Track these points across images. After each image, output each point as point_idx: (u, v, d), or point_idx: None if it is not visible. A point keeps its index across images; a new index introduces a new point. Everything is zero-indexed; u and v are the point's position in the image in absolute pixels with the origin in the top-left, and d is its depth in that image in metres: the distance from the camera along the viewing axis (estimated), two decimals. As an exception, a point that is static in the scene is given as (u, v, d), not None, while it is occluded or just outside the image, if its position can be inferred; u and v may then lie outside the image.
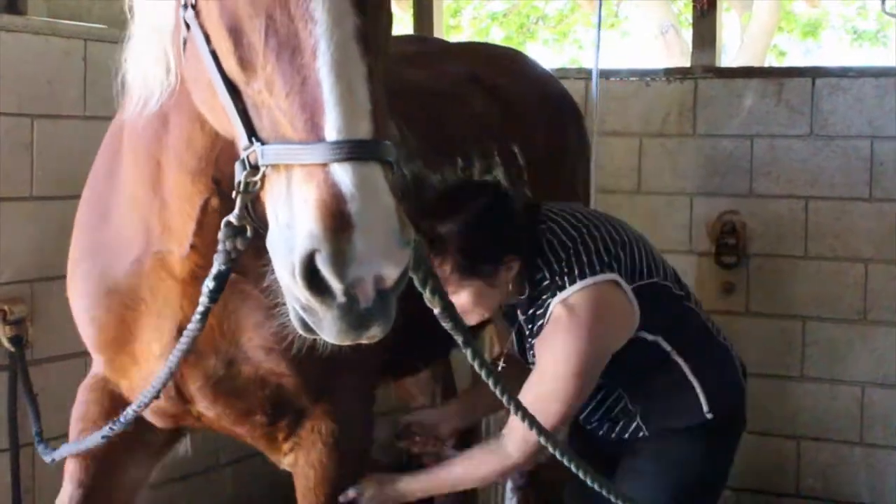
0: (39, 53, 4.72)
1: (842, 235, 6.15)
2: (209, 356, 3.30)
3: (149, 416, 3.53)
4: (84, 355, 4.66)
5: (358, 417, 3.60)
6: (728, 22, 14.66)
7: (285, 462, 3.59)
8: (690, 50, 6.69)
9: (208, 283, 2.71)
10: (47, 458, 3.85)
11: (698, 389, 3.74)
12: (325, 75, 2.29)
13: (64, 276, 3.74)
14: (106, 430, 3.32)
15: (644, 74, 6.63)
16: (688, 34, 8.94)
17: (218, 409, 3.42)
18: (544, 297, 3.57)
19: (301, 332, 2.41)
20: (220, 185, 2.95)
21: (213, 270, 2.68)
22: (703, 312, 3.91)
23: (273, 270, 2.38)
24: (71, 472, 3.70)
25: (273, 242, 2.33)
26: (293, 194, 2.29)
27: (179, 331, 3.12)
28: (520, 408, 3.02)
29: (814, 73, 6.28)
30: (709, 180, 6.42)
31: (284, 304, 2.42)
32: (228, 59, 2.45)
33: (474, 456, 3.64)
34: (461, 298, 3.47)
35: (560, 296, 3.52)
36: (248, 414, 3.43)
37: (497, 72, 4.92)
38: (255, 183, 2.42)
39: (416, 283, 2.57)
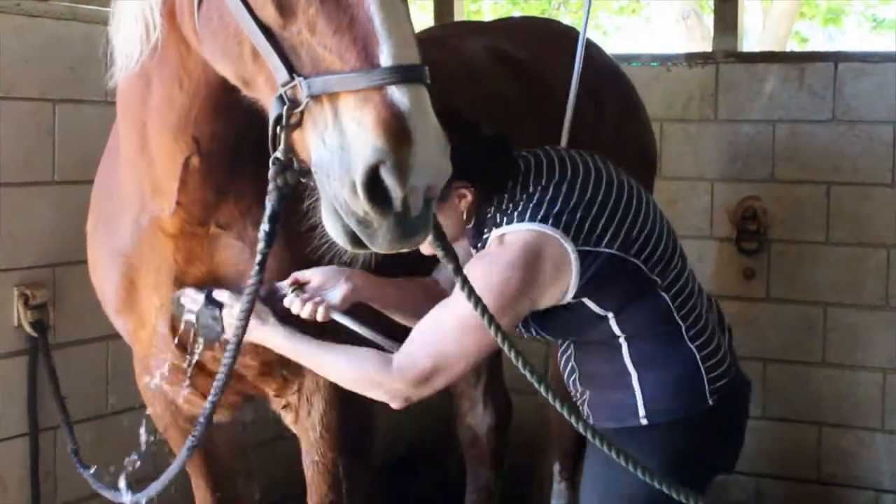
0: (61, 38, 4.73)
1: (864, 221, 6.13)
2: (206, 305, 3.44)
3: (163, 381, 3.67)
4: (106, 339, 4.71)
5: None
6: (750, 6, 14.60)
7: (287, 419, 3.68)
8: (712, 35, 6.66)
9: (263, 227, 2.81)
10: (128, 501, 3.86)
11: (636, 389, 3.50)
12: (376, 12, 2.55)
13: (86, 261, 3.77)
14: (190, 442, 3.39)
15: (665, 59, 6.61)
16: (709, 19, 8.92)
17: (218, 354, 3.50)
18: (485, 231, 3.44)
19: (350, 247, 2.62)
20: (200, 144, 3.19)
21: (267, 211, 2.78)
22: (695, 305, 3.60)
23: (313, 195, 2.64)
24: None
25: (325, 165, 2.54)
26: (343, 119, 2.52)
27: (177, 283, 3.43)
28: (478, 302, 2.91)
29: (836, 57, 6.25)
30: (730, 166, 6.40)
31: (320, 226, 2.64)
32: (266, 6, 2.64)
33: (361, 353, 3.33)
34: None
35: (496, 231, 3.39)
36: (244, 363, 3.51)
37: (521, 45, 4.87)
38: (296, 116, 2.60)
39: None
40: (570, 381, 3.65)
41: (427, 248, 3.05)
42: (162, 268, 3.46)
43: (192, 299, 3.45)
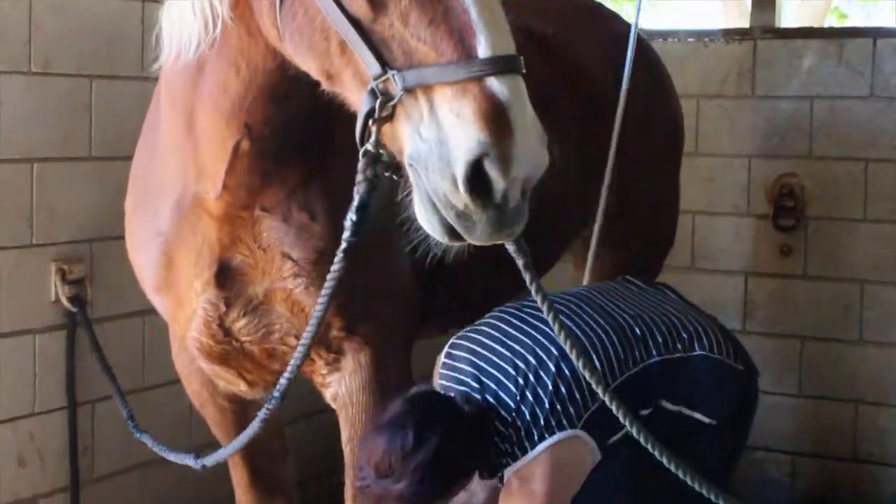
0: (98, 14, 4.74)
1: (902, 198, 6.10)
2: (247, 288, 3.48)
3: (201, 360, 3.70)
4: (142, 314, 4.74)
5: (397, 350, 3.67)
6: (788, -18, 14.47)
7: (328, 395, 3.68)
8: (749, 10, 6.62)
9: (351, 217, 2.80)
10: (197, 466, 3.86)
11: (692, 414, 3.68)
12: (471, 2, 2.53)
13: (122, 236, 3.79)
14: (263, 414, 3.41)
15: (702, 35, 6.56)
16: (747, -5, 8.86)
17: (258, 337, 3.53)
18: (502, 466, 3.52)
19: (447, 240, 2.60)
20: (251, 130, 3.21)
21: (356, 202, 2.77)
22: (678, 326, 3.73)
23: (405, 189, 2.63)
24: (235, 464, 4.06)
25: (422, 159, 2.52)
26: (440, 111, 2.49)
27: (219, 266, 3.44)
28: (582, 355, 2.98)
29: (875, 33, 6.20)
30: (767, 142, 6.36)
31: (413, 219, 2.63)
32: (356, 0, 2.62)
33: None
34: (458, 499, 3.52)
35: (512, 467, 3.47)
36: (285, 337, 3.52)
37: (548, 21, 4.83)
38: (388, 109, 2.58)
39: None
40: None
41: None
42: (204, 250, 3.47)
43: None
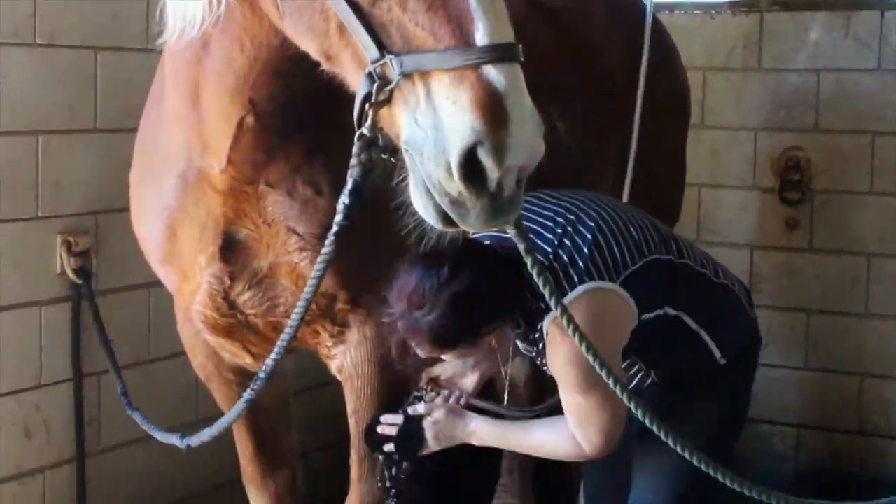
0: (103, -14, 4.74)
1: (909, 171, 6.09)
2: (252, 261, 3.48)
3: (206, 332, 3.71)
4: (148, 286, 4.75)
5: None
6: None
7: (333, 367, 3.68)
8: (756, -18, 6.60)
9: (343, 200, 2.81)
10: (182, 446, 3.85)
11: (708, 340, 3.62)
12: None
13: (128, 209, 3.79)
14: (248, 395, 3.41)
15: (709, 7, 6.54)
16: (754, -33, 8.83)
17: (263, 310, 3.54)
18: (537, 321, 3.42)
19: (441, 226, 2.59)
20: (255, 105, 3.21)
21: (349, 185, 2.78)
22: (697, 255, 3.72)
23: (401, 174, 2.61)
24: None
25: (418, 144, 2.50)
26: (437, 98, 2.47)
27: (224, 241, 3.45)
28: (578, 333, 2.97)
29: (883, 6, 6.17)
30: (773, 115, 6.35)
31: (409, 204, 2.61)
32: None
33: (556, 428, 3.48)
34: (445, 368, 3.47)
35: (550, 315, 3.34)
36: (290, 311, 3.47)
37: None
38: (385, 93, 2.56)
39: None
40: (632, 371, 3.68)
41: (468, 382, 3.59)
42: (208, 224, 3.47)
43: (389, 424, 3.56)
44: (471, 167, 2.45)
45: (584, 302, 3.33)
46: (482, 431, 3.54)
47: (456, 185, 2.47)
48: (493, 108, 2.43)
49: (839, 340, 6.25)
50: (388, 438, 3.56)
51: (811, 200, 6.28)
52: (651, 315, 3.48)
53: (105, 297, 4.77)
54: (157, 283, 3.92)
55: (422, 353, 3.34)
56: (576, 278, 3.35)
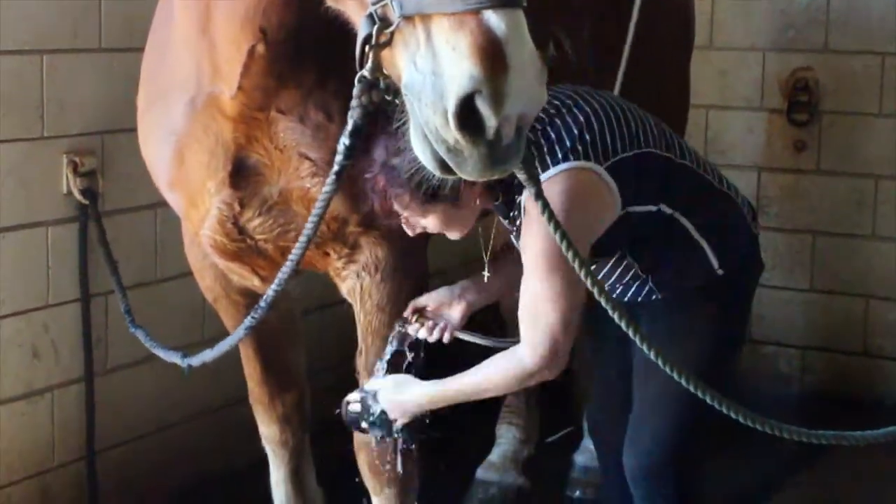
0: None
1: (918, 92, 6.06)
2: (263, 188, 3.47)
3: (214, 256, 3.71)
4: (154, 207, 4.74)
5: (414, 245, 3.64)
6: None
7: (344, 289, 3.68)
8: None
9: (344, 141, 2.79)
10: (184, 365, 3.88)
11: (706, 247, 3.58)
12: None
13: (134, 129, 3.78)
14: (248, 322, 3.43)
15: (718, -74, 6.49)
16: None
17: (273, 236, 3.54)
18: (515, 195, 3.39)
19: (439, 173, 2.57)
20: (266, 34, 3.18)
21: (349, 127, 2.75)
22: (700, 161, 3.70)
23: (402, 117, 2.59)
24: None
25: (416, 89, 2.45)
26: (436, 42, 2.42)
27: (234, 166, 3.43)
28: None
29: (894, -76, 6.12)
30: (782, 35, 6.31)
31: (409, 148, 2.59)
32: None
33: (491, 364, 3.41)
34: (430, 223, 3.34)
35: (527, 192, 3.20)
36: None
37: None
38: (385, 35, 2.52)
39: None
40: (629, 277, 3.64)
41: (454, 234, 3.37)
42: (217, 150, 3.45)
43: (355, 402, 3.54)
44: (468, 115, 2.41)
45: (562, 179, 3.30)
46: (426, 395, 3.46)
47: (452, 134, 2.43)
48: (492, 56, 2.38)
49: (845, 262, 6.26)
50: (360, 416, 3.53)
51: (819, 122, 6.26)
52: (642, 209, 3.44)
53: (111, 217, 4.76)
54: (164, 204, 3.92)
55: (405, 211, 3.27)
56: (560, 155, 3.32)
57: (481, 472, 5.06)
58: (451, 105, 2.40)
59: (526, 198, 3.28)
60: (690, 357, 3.46)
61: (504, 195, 3.41)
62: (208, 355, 3.67)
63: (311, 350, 4.29)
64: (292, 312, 4.08)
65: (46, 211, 4.59)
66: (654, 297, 3.62)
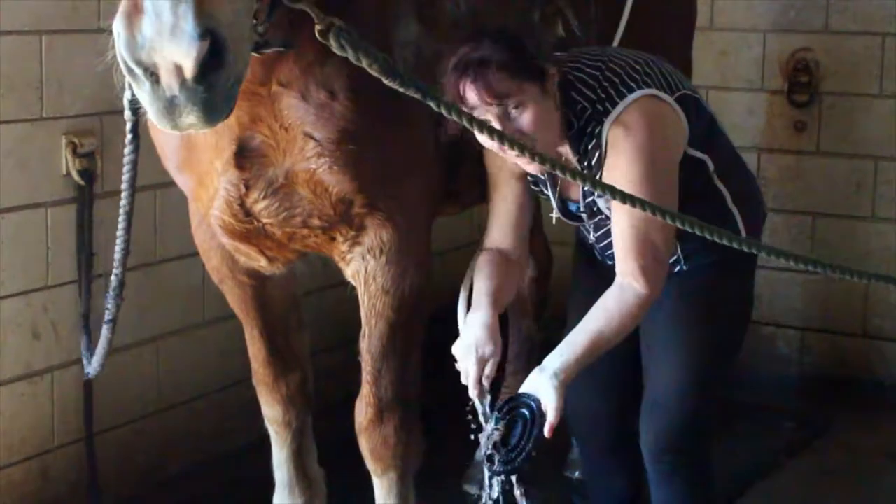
0: None
1: (919, 73, 6.04)
2: (267, 170, 3.47)
3: (223, 237, 3.71)
4: (154, 188, 4.73)
5: (419, 227, 3.67)
6: None
7: (349, 272, 3.68)
8: None
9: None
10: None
11: (738, 218, 3.64)
12: None
13: (133, 109, 3.77)
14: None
15: None
16: None
17: (279, 220, 3.53)
18: (592, 126, 3.46)
19: (168, 128, 2.75)
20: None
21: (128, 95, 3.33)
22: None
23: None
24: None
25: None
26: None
27: (238, 146, 3.43)
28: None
29: None
30: (783, 16, 6.29)
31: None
32: None
33: (607, 307, 3.39)
34: (527, 117, 3.34)
35: (609, 119, 3.41)
36: (308, 220, 3.53)
37: None
38: None
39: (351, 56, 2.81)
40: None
41: (533, 167, 3.41)
42: (223, 128, 3.41)
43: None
44: (131, 73, 2.63)
45: (639, 105, 3.42)
46: (561, 366, 3.39)
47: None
48: (128, 11, 2.59)
49: (845, 243, 6.25)
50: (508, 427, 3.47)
51: (819, 103, 6.25)
52: (694, 153, 3.55)
53: (111, 198, 4.74)
54: (163, 185, 3.92)
55: (480, 97, 3.31)
56: (633, 86, 3.44)
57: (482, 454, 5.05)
58: (122, 65, 2.65)
59: (608, 126, 3.41)
60: (707, 334, 3.53)
61: (580, 128, 3.49)
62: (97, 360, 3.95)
63: (311, 331, 4.27)
64: (294, 294, 4.08)
65: (45, 192, 4.58)
66: (678, 267, 3.63)
